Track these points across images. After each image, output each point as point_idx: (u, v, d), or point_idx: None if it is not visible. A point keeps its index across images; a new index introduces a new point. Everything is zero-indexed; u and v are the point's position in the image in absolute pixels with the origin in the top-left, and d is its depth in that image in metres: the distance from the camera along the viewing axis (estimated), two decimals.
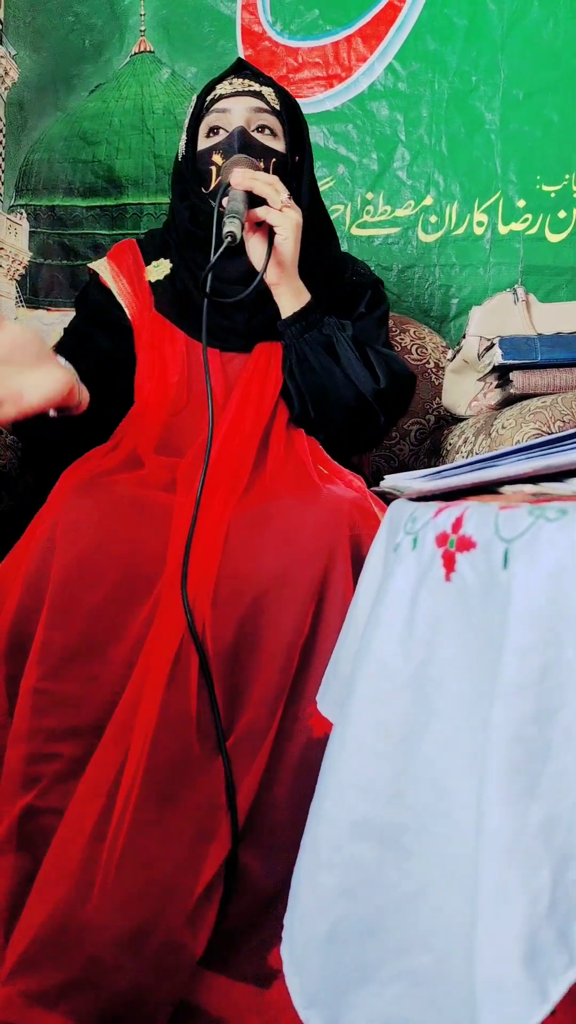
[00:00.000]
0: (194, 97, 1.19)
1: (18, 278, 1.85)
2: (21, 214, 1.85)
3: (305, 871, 0.51)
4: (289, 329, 1.09)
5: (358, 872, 0.48)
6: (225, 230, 0.98)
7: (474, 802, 0.39)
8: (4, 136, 1.84)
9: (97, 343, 1.19)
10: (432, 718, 0.46)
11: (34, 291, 1.85)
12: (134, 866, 0.80)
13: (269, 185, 1.04)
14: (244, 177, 1.04)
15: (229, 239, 0.97)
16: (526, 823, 0.38)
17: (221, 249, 0.97)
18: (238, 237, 0.98)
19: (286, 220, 1.05)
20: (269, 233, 1.06)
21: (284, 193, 1.05)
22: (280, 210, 1.04)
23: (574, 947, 0.37)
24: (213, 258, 0.98)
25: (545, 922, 0.37)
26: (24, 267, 1.85)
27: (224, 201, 1.04)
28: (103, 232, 1.82)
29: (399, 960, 0.45)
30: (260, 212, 1.04)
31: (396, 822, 0.47)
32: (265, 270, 1.03)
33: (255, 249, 1.06)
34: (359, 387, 1.10)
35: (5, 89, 1.83)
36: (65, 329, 1.29)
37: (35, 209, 1.85)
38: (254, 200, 1.05)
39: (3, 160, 1.84)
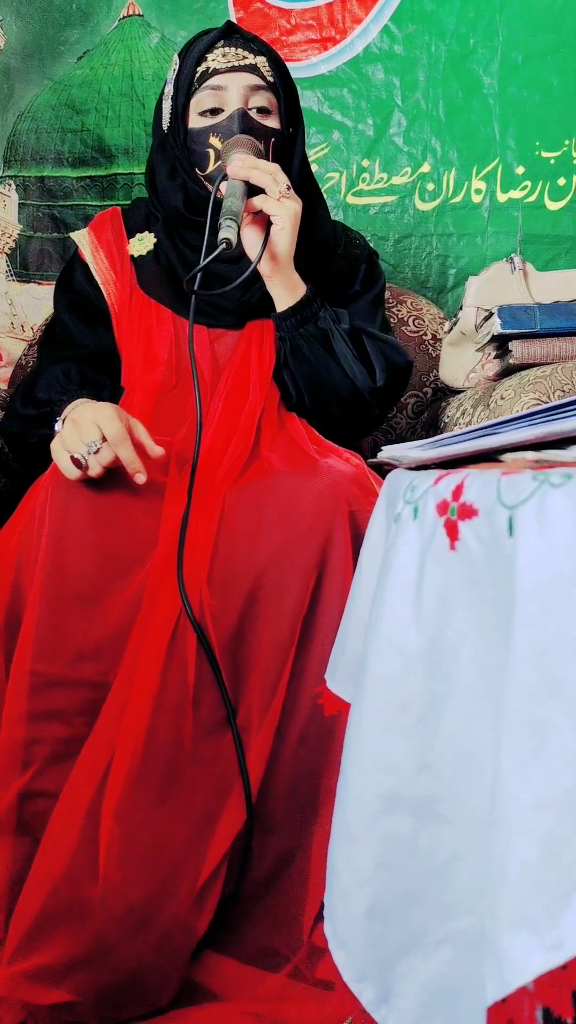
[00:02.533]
0: (176, 56, 1.12)
1: (8, 252, 1.82)
2: (10, 185, 1.81)
3: (339, 849, 0.52)
4: (283, 323, 1.07)
5: (393, 845, 0.48)
6: (220, 235, 0.93)
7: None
8: None
9: (80, 339, 1.15)
10: (452, 689, 0.46)
11: (24, 265, 1.82)
12: (138, 846, 0.80)
13: (268, 175, 1.00)
14: (243, 166, 1.00)
15: (224, 245, 0.93)
16: (524, 799, 0.38)
17: (215, 254, 0.93)
18: (234, 243, 0.94)
19: (284, 211, 1.00)
20: (266, 223, 1.02)
21: (284, 183, 1.01)
22: (278, 200, 1.00)
23: (563, 928, 0.37)
24: (205, 260, 0.94)
25: (536, 900, 0.37)
26: (14, 240, 1.82)
27: (222, 187, 1.00)
28: (94, 203, 1.78)
29: (444, 925, 0.46)
30: (257, 202, 1.01)
31: (427, 793, 0.47)
32: (259, 260, 1.00)
33: (250, 238, 1.02)
34: (355, 383, 1.08)
35: None
36: (49, 321, 1.26)
37: (24, 180, 1.81)
38: (252, 189, 1.01)
39: None
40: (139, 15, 1.78)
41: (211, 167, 1.08)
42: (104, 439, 0.88)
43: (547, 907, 0.36)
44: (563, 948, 0.36)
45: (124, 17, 1.78)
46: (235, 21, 1.70)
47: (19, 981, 0.76)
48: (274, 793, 0.86)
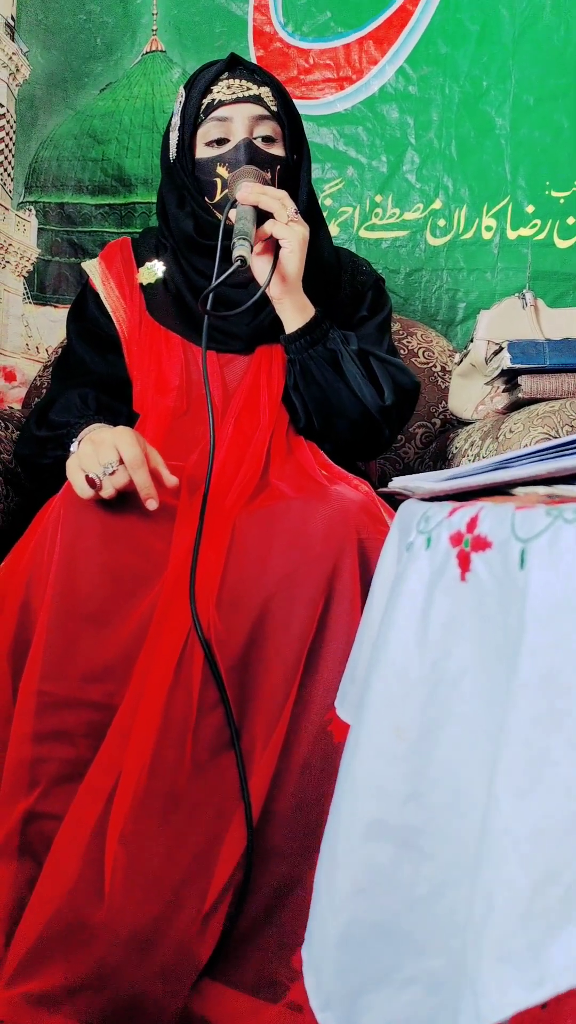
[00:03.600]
0: (182, 89, 1.15)
1: (26, 275, 1.85)
2: (30, 211, 1.85)
3: (323, 872, 0.51)
4: (293, 344, 1.08)
5: (372, 873, 0.47)
6: (235, 254, 0.96)
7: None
8: (15, 133, 1.84)
9: (92, 367, 1.17)
10: (448, 719, 0.46)
11: (42, 288, 1.85)
12: (143, 870, 0.80)
13: (277, 200, 1.03)
14: (252, 192, 1.03)
15: (239, 263, 0.95)
16: (518, 830, 0.37)
17: (229, 272, 0.95)
18: (248, 260, 0.97)
19: (292, 235, 1.03)
20: (274, 247, 1.04)
21: (291, 207, 1.04)
22: (287, 224, 1.03)
23: (546, 965, 0.36)
24: (217, 280, 0.96)
25: (521, 934, 0.36)
26: (32, 264, 1.85)
27: (231, 214, 1.03)
28: (112, 230, 1.82)
29: (415, 962, 0.45)
30: (267, 227, 1.03)
31: (412, 823, 0.46)
32: (268, 284, 1.02)
33: (259, 263, 1.04)
34: (364, 403, 1.09)
35: (16, 86, 1.83)
36: (62, 349, 1.28)
37: (44, 206, 1.85)
38: (261, 214, 1.03)
39: (13, 157, 1.84)
40: (161, 51, 1.82)
41: (218, 196, 1.11)
42: (121, 462, 0.90)
43: (531, 942, 0.35)
44: (544, 986, 0.35)
45: (147, 52, 1.83)
46: (255, 60, 1.75)
47: (19, 1004, 0.75)
48: (277, 819, 0.85)
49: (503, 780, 0.38)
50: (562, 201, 1.74)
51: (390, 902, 0.47)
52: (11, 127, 1.83)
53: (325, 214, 1.75)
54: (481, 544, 0.44)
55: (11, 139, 1.84)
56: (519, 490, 0.54)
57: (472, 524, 0.46)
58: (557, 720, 0.38)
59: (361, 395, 1.09)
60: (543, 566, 0.40)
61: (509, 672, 0.40)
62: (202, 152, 1.12)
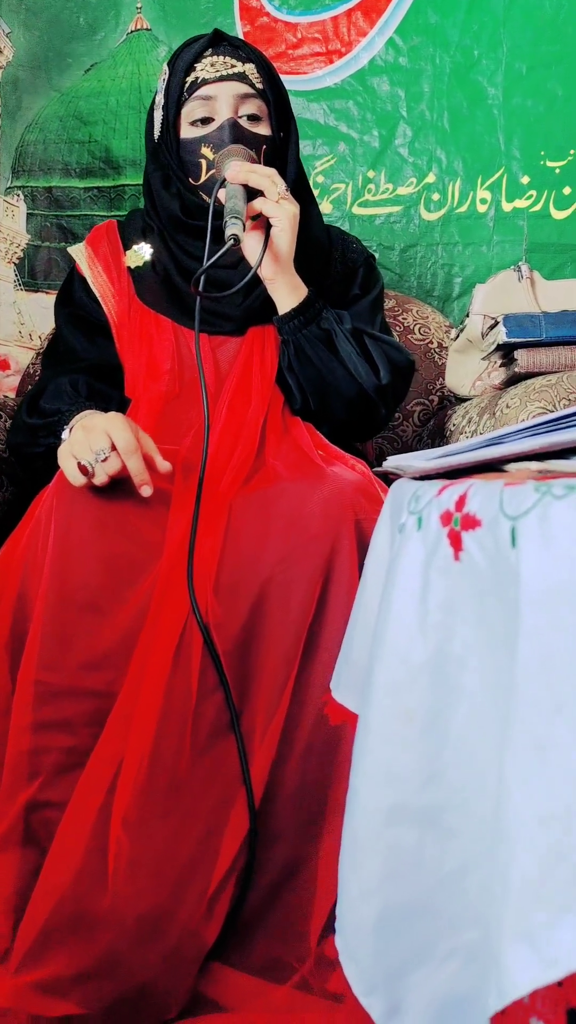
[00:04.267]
0: (165, 66, 1.12)
1: (16, 261, 1.83)
2: (18, 196, 1.83)
3: (347, 860, 0.52)
4: (286, 325, 1.07)
5: (400, 856, 0.48)
6: (228, 232, 0.94)
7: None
8: (0, 116, 1.82)
9: (82, 353, 1.16)
10: (457, 699, 0.46)
11: (32, 274, 1.83)
12: (147, 856, 0.80)
13: (267, 177, 1.02)
14: (241, 170, 1.01)
15: (232, 241, 0.94)
16: (525, 814, 0.37)
17: (223, 251, 0.94)
18: (242, 239, 0.96)
19: (283, 212, 1.01)
20: (265, 226, 1.03)
21: (281, 185, 1.02)
22: (276, 202, 1.01)
23: (558, 945, 0.37)
24: (208, 261, 0.95)
25: (534, 914, 0.37)
26: (22, 250, 1.83)
27: (220, 195, 1.01)
28: (101, 213, 1.80)
29: (452, 937, 0.46)
30: (256, 204, 1.02)
31: (434, 804, 0.47)
32: (260, 264, 1.00)
33: (250, 242, 1.03)
34: (360, 382, 1.08)
35: None
36: (51, 336, 1.27)
37: (32, 191, 1.82)
38: (250, 192, 1.02)
39: None
40: (147, 29, 1.79)
41: (204, 177, 1.09)
42: (113, 448, 0.89)
43: (545, 922, 0.36)
44: (558, 965, 0.36)
45: (132, 31, 1.80)
46: (241, 35, 1.72)
47: (26, 992, 0.76)
48: (279, 802, 0.85)
49: (510, 764, 0.39)
50: (558, 171, 1.71)
51: (421, 882, 0.48)
52: None
53: (317, 191, 1.73)
54: (471, 523, 0.44)
55: None
56: (511, 466, 0.53)
57: (461, 502, 0.45)
58: (557, 703, 0.38)
59: (356, 374, 1.08)
60: (535, 545, 0.39)
61: (510, 653, 0.40)
62: (186, 132, 1.10)
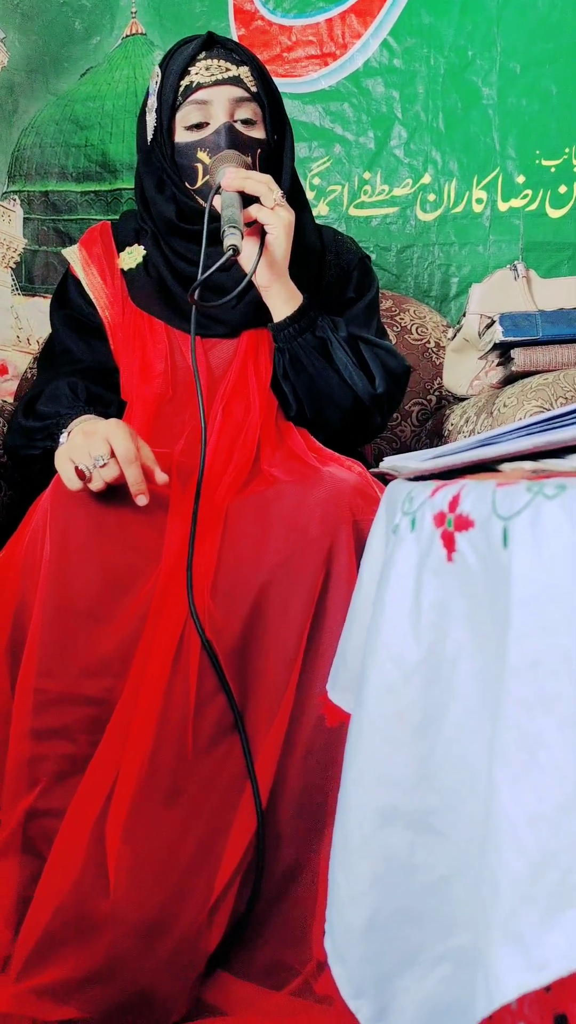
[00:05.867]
0: (157, 68, 1.12)
1: (13, 265, 1.84)
2: (15, 200, 1.83)
3: (338, 863, 0.52)
4: (281, 333, 1.06)
5: (391, 859, 0.48)
6: (227, 243, 0.94)
7: None
8: None
9: (79, 355, 1.16)
10: (449, 700, 0.46)
11: (30, 278, 1.84)
12: (147, 863, 0.80)
13: (263, 184, 1.01)
14: (237, 177, 1.01)
15: (231, 252, 0.94)
16: (514, 815, 0.37)
17: (221, 262, 0.94)
18: (240, 249, 0.95)
19: (278, 220, 1.01)
20: (260, 232, 1.02)
21: (277, 192, 1.02)
22: (272, 209, 1.01)
23: (547, 949, 0.36)
24: (206, 272, 0.94)
25: (522, 917, 0.37)
26: (19, 254, 1.83)
27: (216, 202, 1.01)
28: (98, 217, 1.80)
29: (442, 941, 0.46)
30: (252, 211, 1.01)
31: (424, 806, 0.47)
32: (255, 272, 1.00)
33: (245, 249, 1.01)
34: (355, 391, 1.08)
35: None
36: (48, 339, 1.27)
37: (28, 195, 1.83)
38: (246, 199, 1.01)
39: None
40: (142, 34, 1.80)
41: (199, 182, 1.09)
42: (112, 455, 0.89)
43: (532, 925, 0.36)
44: (546, 969, 0.36)
45: (127, 35, 1.80)
46: (236, 38, 1.72)
47: (26, 997, 0.76)
48: (281, 805, 0.85)
49: (499, 765, 0.38)
50: (553, 170, 1.71)
51: (411, 886, 0.48)
52: None
53: (313, 194, 1.73)
54: (464, 524, 0.44)
55: None
56: (505, 466, 0.54)
57: (454, 503, 0.45)
58: (547, 704, 0.38)
59: (352, 383, 1.08)
60: (526, 546, 0.39)
61: (500, 654, 0.40)
62: (181, 136, 1.10)
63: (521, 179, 1.72)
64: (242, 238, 0.96)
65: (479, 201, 1.73)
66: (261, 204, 1.02)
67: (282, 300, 1.06)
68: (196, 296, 0.95)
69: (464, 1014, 0.42)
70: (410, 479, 0.60)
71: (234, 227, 0.96)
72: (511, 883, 0.36)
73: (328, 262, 1.21)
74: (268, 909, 0.84)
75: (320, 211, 1.75)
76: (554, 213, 1.71)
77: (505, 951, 0.36)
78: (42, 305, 1.82)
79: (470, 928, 0.44)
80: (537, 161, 1.71)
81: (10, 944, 0.80)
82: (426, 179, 1.74)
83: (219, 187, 1.01)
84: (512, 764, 0.37)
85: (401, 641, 0.47)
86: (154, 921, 0.79)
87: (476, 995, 0.37)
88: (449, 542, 0.45)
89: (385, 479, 0.85)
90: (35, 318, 1.83)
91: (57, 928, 0.78)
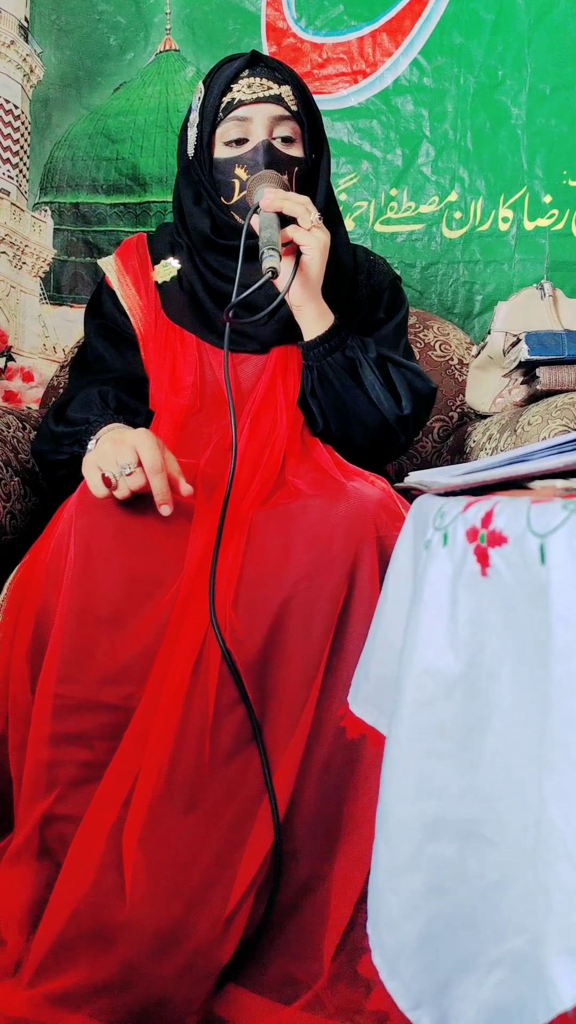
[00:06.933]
0: (201, 84, 1.14)
1: (42, 275, 1.86)
2: (46, 211, 1.86)
3: (385, 878, 0.52)
4: (311, 352, 1.07)
5: (442, 869, 0.48)
6: (265, 265, 0.95)
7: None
8: (29, 134, 1.85)
9: (111, 363, 1.17)
10: (491, 713, 0.46)
11: (58, 288, 1.86)
12: (162, 873, 0.80)
13: (300, 204, 1.02)
14: (275, 198, 1.02)
15: (270, 274, 0.95)
16: (564, 830, 0.37)
17: (259, 284, 0.95)
18: (279, 272, 0.96)
19: (314, 241, 1.02)
20: (295, 252, 1.03)
21: (314, 213, 1.03)
22: (308, 230, 1.02)
23: None
24: (240, 295, 0.95)
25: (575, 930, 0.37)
26: (48, 264, 1.86)
27: (254, 222, 1.02)
28: (127, 229, 1.82)
29: (497, 945, 0.46)
30: (289, 232, 1.02)
31: (472, 816, 0.47)
32: (288, 291, 1.01)
33: (280, 268, 1.01)
34: (382, 412, 1.08)
35: (30, 87, 1.84)
36: (80, 345, 1.28)
37: (59, 206, 1.85)
38: (283, 219, 1.02)
39: (28, 158, 1.85)
40: (175, 50, 1.82)
41: (236, 197, 1.10)
42: (139, 464, 0.90)
43: None
44: None
45: (160, 51, 1.83)
46: (269, 55, 1.74)
47: (40, 1004, 0.75)
48: (298, 819, 0.85)
49: (548, 780, 0.39)
50: None
51: (464, 894, 0.48)
52: (26, 128, 1.84)
53: (340, 208, 1.74)
54: (497, 539, 0.44)
55: (26, 140, 1.85)
56: (536, 484, 0.54)
57: (487, 519, 0.45)
58: None
59: (379, 404, 1.08)
60: (564, 563, 0.39)
61: (542, 667, 0.40)
62: (220, 152, 1.11)
63: (548, 199, 1.72)
64: (280, 260, 0.97)
65: (505, 220, 1.74)
66: (298, 224, 1.03)
67: (314, 319, 1.07)
68: (231, 314, 0.96)
69: (523, 1018, 0.42)
70: (438, 494, 0.60)
71: (273, 249, 0.96)
72: (564, 894, 0.36)
73: (360, 281, 1.22)
74: (280, 923, 0.84)
75: (346, 227, 1.76)
76: None
77: (560, 960, 0.36)
78: (69, 315, 1.84)
79: (524, 931, 0.44)
80: (564, 181, 1.72)
81: (24, 948, 0.80)
82: (453, 197, 1.75)
83: (257, 207, 1.02)
84: (561, 781, 0.37)
85: (438, 656, 0.47)
86: (170, 930, 0.78)
87: (535, 1001, 0.37)
88: (483, 557, 0.45)
89: (410, 494, 0.85)
90: (62, 327, 1.85)
91: (72, 934, 0.77)
